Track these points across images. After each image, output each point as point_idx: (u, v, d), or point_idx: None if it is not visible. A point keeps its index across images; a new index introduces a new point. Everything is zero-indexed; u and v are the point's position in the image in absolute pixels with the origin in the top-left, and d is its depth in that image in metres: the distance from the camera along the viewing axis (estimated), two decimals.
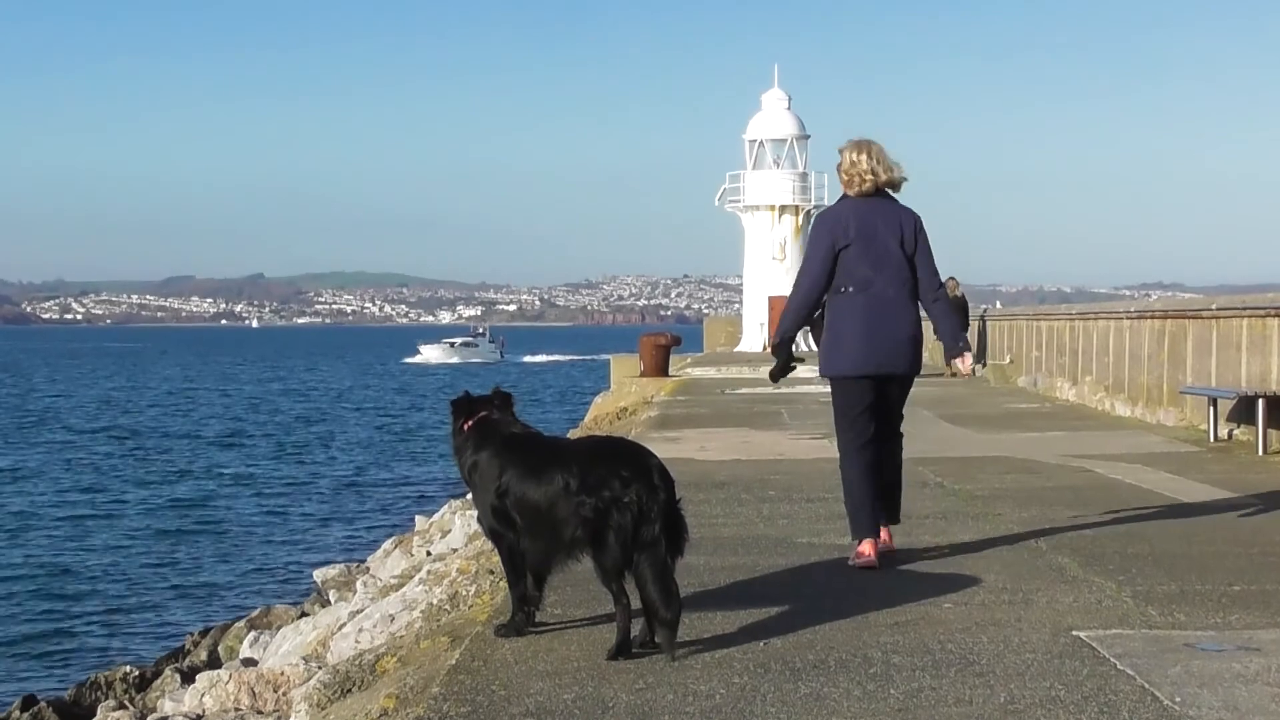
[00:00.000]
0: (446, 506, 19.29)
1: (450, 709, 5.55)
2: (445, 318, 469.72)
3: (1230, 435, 16.06)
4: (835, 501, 11.13)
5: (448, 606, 8.47)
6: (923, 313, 8.36)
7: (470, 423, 6.66)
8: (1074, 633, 6.57)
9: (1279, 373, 15.30)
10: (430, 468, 40.46)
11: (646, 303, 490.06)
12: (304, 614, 15.54)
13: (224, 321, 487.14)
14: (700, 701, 5.53)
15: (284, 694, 8.74)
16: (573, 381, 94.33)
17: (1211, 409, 16.14)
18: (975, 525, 9.96)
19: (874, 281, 8.03)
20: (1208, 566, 8.26)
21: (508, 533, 6.44)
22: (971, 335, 35.14)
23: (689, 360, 41.05)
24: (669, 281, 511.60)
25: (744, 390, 26.80)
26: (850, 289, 8.07)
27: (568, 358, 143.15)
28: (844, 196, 8.27)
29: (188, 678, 13.58)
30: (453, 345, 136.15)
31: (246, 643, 14.42)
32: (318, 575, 17.68)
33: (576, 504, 6.08)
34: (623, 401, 28.81)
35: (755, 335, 49.29)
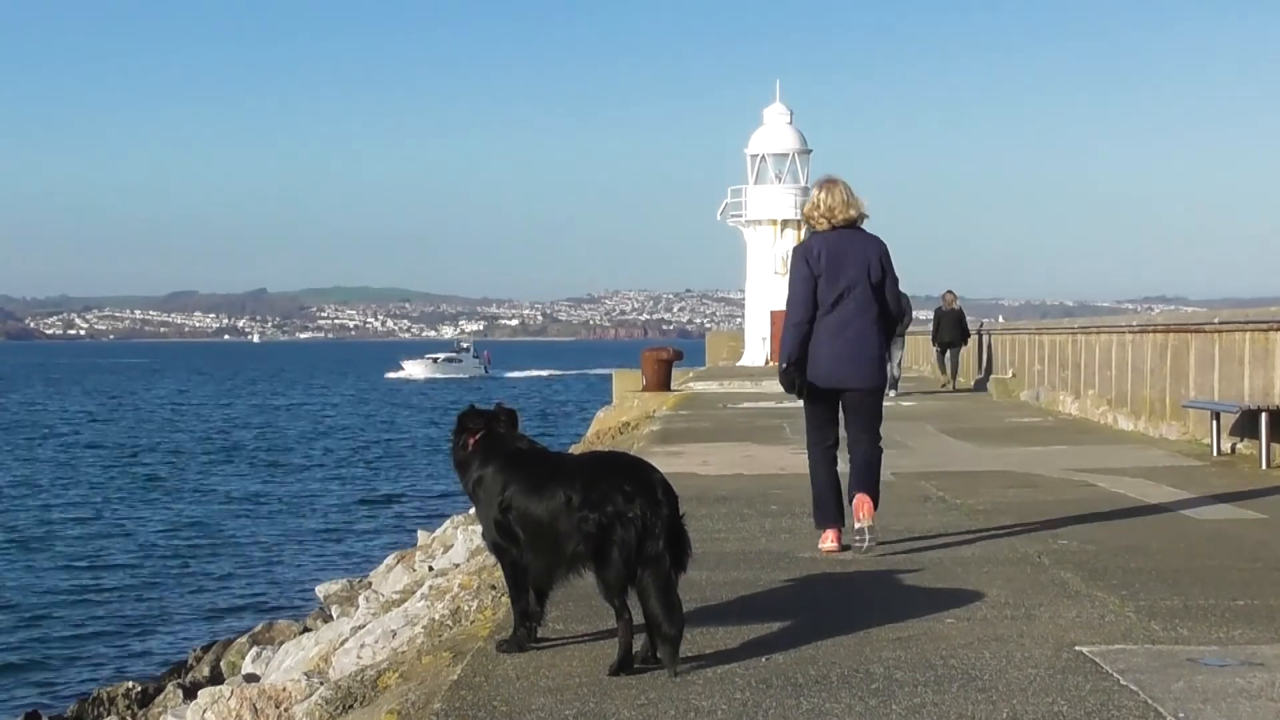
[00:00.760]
0: (449, 521, 19.28)
1: None
2: (448, 332, 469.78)
3: (1233, 449, 16.04)
4: None
5: (450, 622, 8.46)
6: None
7: (475, 438, 6.66)
8: (1077, 648, 6.56)
9: None
10: (431, 483, 40.45)
11: (649, 317, 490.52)
12: (306, 629, 15.54)
13: (227, 336, 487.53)
14: (702, 717, 5.52)
15: (286, 710, 8.72)
16: (555, 397, 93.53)
17: (1214, 423, 16.12)
18: (977, 540, 9.94)
19: (841, 307, 8.91)
20: (1211, 581, 8.25)
21: (511, 548, 6.42)
22: (971, 348, 35.20)
23: (691, 375, 41.04)
24: (671, 296, 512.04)
25: (746, 405, 26.79)
26: (820, 313, 8.95)
27: (553, 373, 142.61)
28: (814, 232, 9.16)
29: (190, 693, 13.58)
30: (435, 361, 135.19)
31: (249, 658, 14.42)
32: (320, 590, 17.66)
33: (579, 519, 6.07)
34: (625, 416, 28.77)
35: (757, 350, 49.30)
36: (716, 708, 5.63)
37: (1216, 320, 17.52)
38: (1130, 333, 21.36)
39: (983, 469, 14.94)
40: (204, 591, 24.34)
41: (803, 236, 38.76)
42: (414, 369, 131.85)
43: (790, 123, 49.83)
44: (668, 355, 34.07)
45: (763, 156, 49.45)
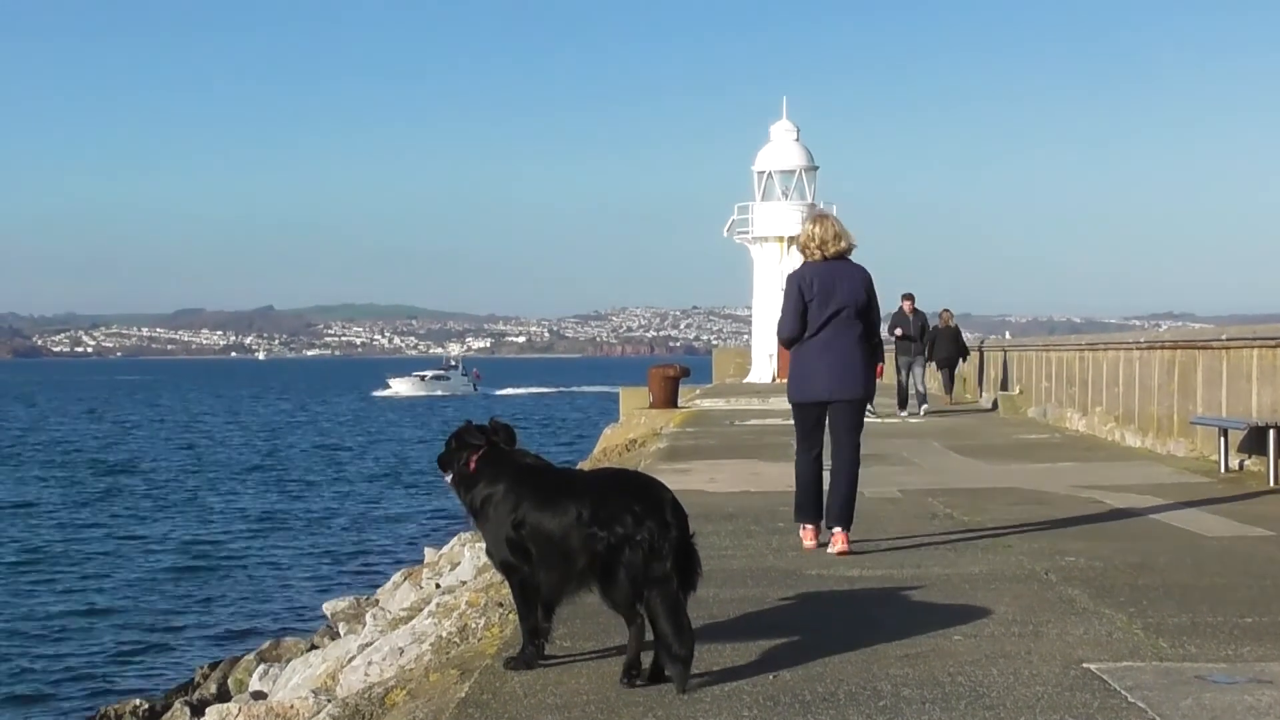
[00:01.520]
0: (455, 539, 19.27)
1: None
2: (455, 349, 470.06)
3: (1241, 466, 16.02)
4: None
5: (457, 639, 8.46)
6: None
7: (477, 455, 6.64)
8: (1085, 665, 6.55)
9: None
10: (438, 501, 40.45)
11: (655, 334, 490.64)
12: (313, 647, 15.53)
13: (234, 354, 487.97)
14: None
15: None
16: (543, 415, 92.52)
17: (1222, 440, 16.10)
18: (985, 557, 9.94)
19: (830, 329, 9.92)
20: (1219, 598, 8.24)
21: (523, 565, 6.39)
22: (972, 365, 35.23)
23: (698, 392, 41.02)
24: (678, 313, 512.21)
25: (753, 422, 26.78)
26: (811, 334, 9.97)
27: (543, 390, 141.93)
28: (806, 262, 10.13)
29: (197, 711, 13.58)
30: (423, 378, 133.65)
31: (256, 675, 14.42)
32: (327, 608, 17.65)
33: (588, 536, 6.07)
34: (632, 433, 28.77)
35: (764, 366, 49.27)
36: None
37: (1224, 337, 17.51)
38: (1137, 349, 21.35)
39: (990, 486, 14.93)
40: (211, 609, 24.35)
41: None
42: (401, 387, 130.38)
43: (797, 139, 49.84)
44: (674, 372, 34.07)
45: (769, 173, 49.45)
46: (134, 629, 22.70)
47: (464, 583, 12.73)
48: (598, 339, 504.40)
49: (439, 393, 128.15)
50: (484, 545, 6.82)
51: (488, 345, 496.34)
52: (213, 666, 17.47)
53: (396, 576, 18.26)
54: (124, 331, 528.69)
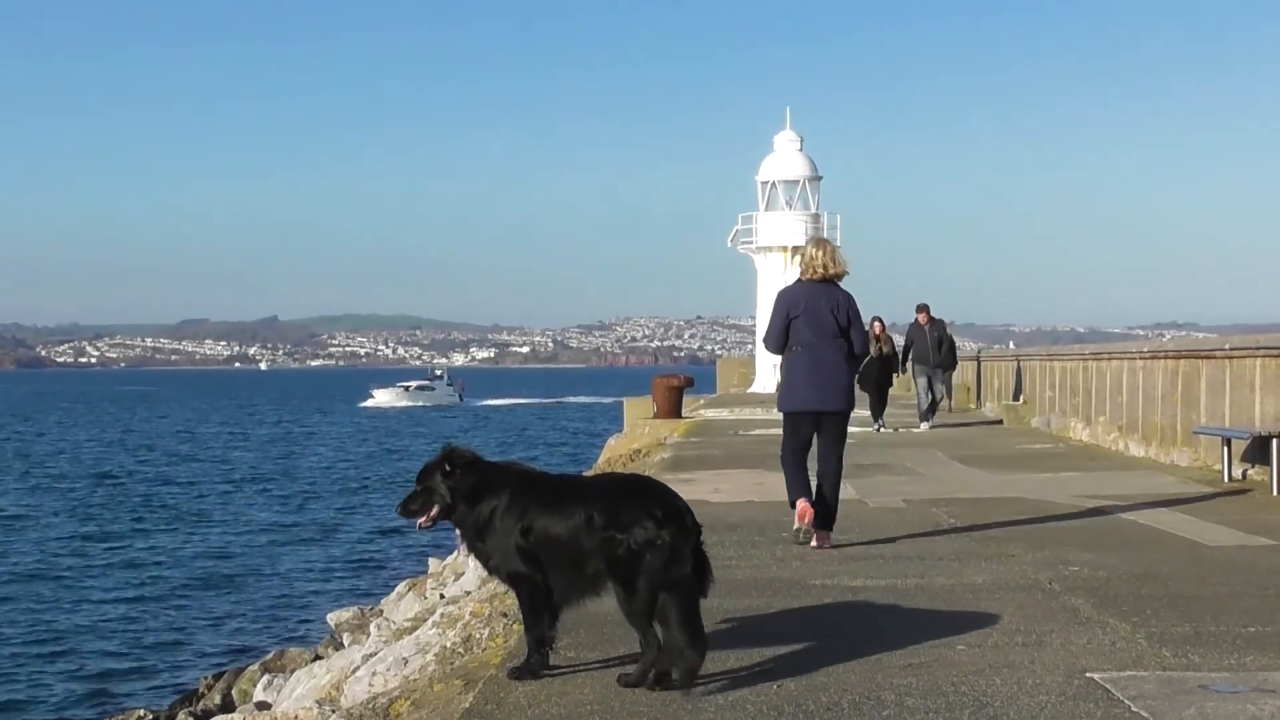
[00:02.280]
0: (460, 549, 19.26)
1: None
2: (459, 360, 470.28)
3: (1244, 476, 16.03)
4: (849, 544, 11.16)
5: (461, 649, 8.47)
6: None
7: (471, 472, 6.54)
8: (1088, 674, 6.56)
9: None
10: None
11: (660, 344, 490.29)
12: (317, 657, 15.54)
13: (237, 364, 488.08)
14: None
15: None
16: (525, 428, 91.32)
17: (1225, 449, 16.10)
18: (988, 566, 9.95)
19: (816, 345, 10.80)
20: (1222, 608, 8.25)
21: (534, 573, 6.36)
22: (971, 374, 35.21)
23: (702, 402, 41.02)
24: (682, 323, 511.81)
25: (757, 432, 26.77)
26: (799, 349, 10.88)
27: (529, 402, 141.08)
28: (799, 279, 11.04)
29: None
30: (407, 389, 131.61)
31: (260, 686, 14.43)
32: (331, 618, 17.67)
33: (605, 540, 6.08)
34: (636, 443, 28.76)
35: (768, 376, 49.23)
36: None
37: (1228, 346, 17.52)
38: (1141, 359, 21.36)
39: (994, 495, 14.93)
40: (215, 619, 24.35)
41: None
42: (384, 397, 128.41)
43: (801, 149, 49.85)
44: (679, 382, 34.06)
45: (773, 183, 49.45)
46: (138, 640, 22.70)
47: (468, 593, 12.74)
48: (602, 349, 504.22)
49: (423, 404, 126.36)
50: (487, 562, 6.71)
51: (491, 355, 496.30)
52: (217, 677, 17.47)
53: (401, 587, 18.28)
54: (128, 342, 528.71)
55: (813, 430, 11.07)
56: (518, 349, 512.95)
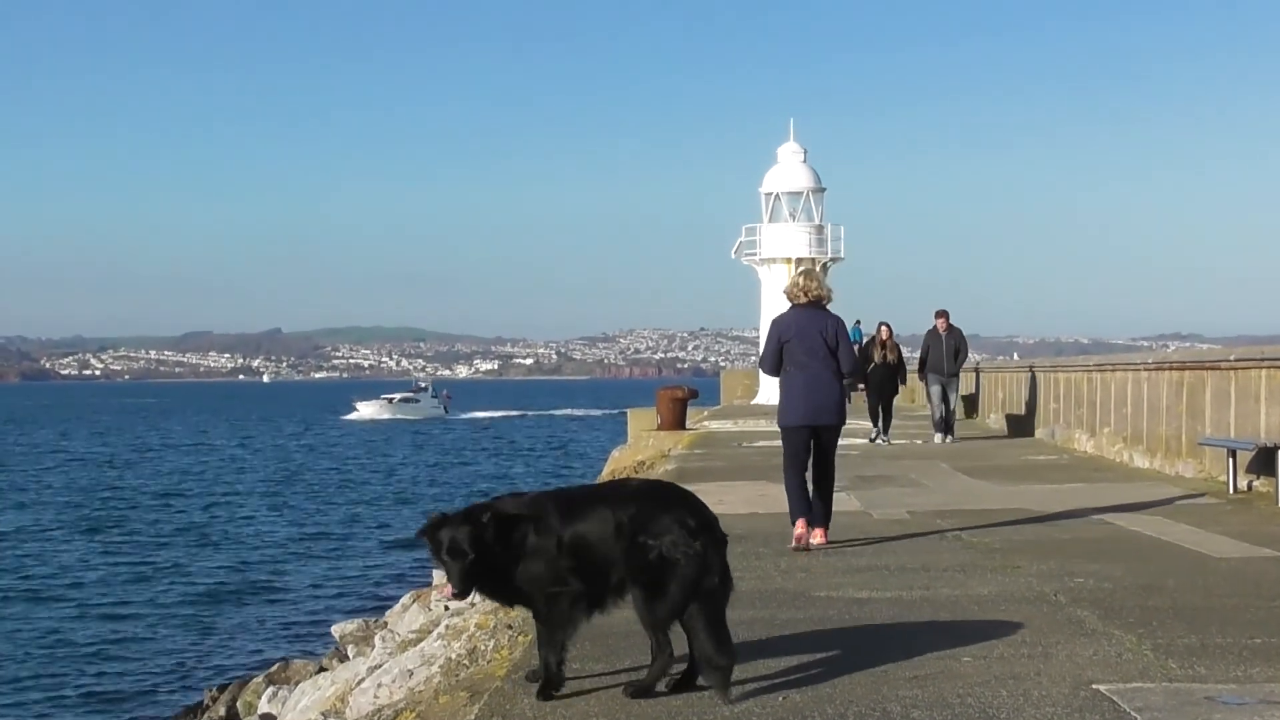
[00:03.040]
0: None
1: None
2: (462, 371, 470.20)
3: (1250, 487, 16.00)
4: (853, 555, 11.18)
5: (466, 661, 8.47)
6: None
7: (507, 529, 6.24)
8: (1094, 686, 6.55)
9: None
10: None
11: (663, 356, 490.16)
12: (322, 669, 15.53)
13: (241, 376, 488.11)
14: None
15: None
16: (505, 441, 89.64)
17: (1230, 460, 16.09)
18: (994, 578, 9.94)
19: (809, 365, 11.68)
20: (1228, 619, 8.24)
21: (574, 582, 6.18)
22: (970, 384, 35.15)
23: (706, 413, 41.01)
24: (686, 335, 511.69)
25: (761, 443, 26.75)
26: (793, 369, 11.78)
27: (514, 413, 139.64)
28: (791, 306, 11.90)
29: None
30: (391, 401, 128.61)
31: (265, 698, 14.44)
32: (336, 630, 17.66)
33: (638, 546, 6.07)
34: (640, 455, 28.75)
35: (772, 389, 49.09)
36: None
37: (1232, 357, 17.51)
38: (1146, 370, 21.34)
39: (999, 507, 14.92)
40: (220, 632, 24.35)
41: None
42: (368, 410, 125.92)
43: (804, 161, 49.86)
44: (683, 394, 34.06)
45: (777, 195, 49.45)
46: (143, 652, 22.71)
47: (473, 604, 12.74)
48: (605, 361, 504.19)
49: (407, 416, 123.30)
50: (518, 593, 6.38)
51: (495, 367, 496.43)
52: (222, 689, 17.48)
53: (405, 598, 18.26)
54: (132, 354, 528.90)
55: (809, 442, 11.85)
56: (521, 361, 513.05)
